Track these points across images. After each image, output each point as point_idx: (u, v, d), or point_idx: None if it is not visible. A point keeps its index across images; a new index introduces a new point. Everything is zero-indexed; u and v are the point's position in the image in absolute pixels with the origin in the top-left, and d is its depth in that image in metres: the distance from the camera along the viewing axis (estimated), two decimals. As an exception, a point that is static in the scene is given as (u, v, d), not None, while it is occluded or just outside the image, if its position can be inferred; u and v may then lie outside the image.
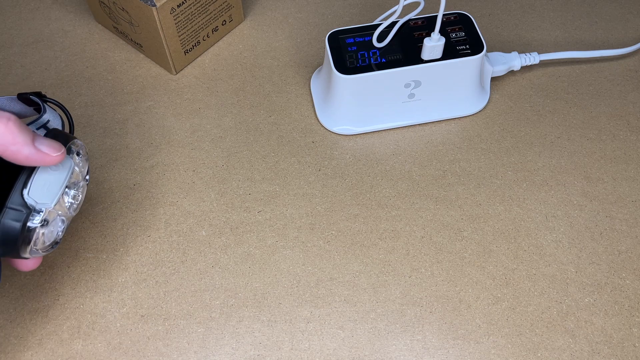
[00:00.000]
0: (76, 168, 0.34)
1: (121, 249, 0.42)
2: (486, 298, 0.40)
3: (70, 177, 0.33)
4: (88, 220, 0.44)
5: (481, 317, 0.39)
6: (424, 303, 0.40)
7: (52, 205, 0.32)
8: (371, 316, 0.39)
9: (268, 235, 0.43)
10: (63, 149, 0.32)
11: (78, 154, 0.34)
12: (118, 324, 0.39)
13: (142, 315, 0.40)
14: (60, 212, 0.33)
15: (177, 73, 0.51)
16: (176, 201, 0.44)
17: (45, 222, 0.31)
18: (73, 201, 0.34)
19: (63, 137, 0.33)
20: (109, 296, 0.40)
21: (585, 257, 0.42)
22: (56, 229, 0.33)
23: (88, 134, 0.48)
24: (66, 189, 0.33)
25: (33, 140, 0.30)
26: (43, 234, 0.32)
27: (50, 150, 0.31)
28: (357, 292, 0.40)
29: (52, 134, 0.33)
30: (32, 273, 0.41)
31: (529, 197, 0.44)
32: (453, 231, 0.43)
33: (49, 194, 0.32)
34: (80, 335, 0.39)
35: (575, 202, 0.44)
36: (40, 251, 0.33)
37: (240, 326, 0.39)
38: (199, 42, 0.51)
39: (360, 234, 0.43)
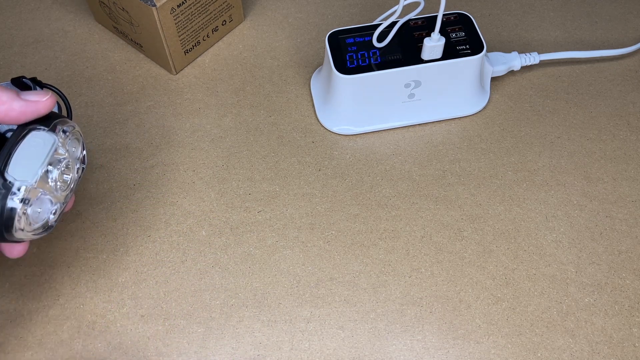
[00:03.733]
0: (59, 146, 0.33)
1: (121, 249, 0.42)
2: (486, 298, 0.40)
3: (52, 155, 0.32)
4: (88, 220, 0.44)
5: (481, 317, 0.39)
6: (424, 303, 0.40)
7: (32, 182, 0.31)
8: (371, 316, 0.39)
9: (268, 235, 0.43)
10: (50, 92, 0.31)
11: (64, 132, 0.33)
12: (118, 324, 0.39)
13: (142, 315, 0.40)
14: (44, 191, 0.32)
15: (177, 73, 0.51)
16: (176, 201, 0.44)
17: (26, 201, 0.30)
18: (59, 181, 0.33)
19: (49, 117, 0.32)
20: (109, 296, 0.40)
21: (585, 257, 0.42)
22: (45, 209, 0.32)
23: (88, 134, 0.48)
24: (49, 167, 0.32)
25: (19, 95, 0.30)
26: (25, 213, 0.31)
27: (39, 97, 0.30)
28: (357, 292, 0.40)
29: None
30: (32, 273, 0.41)
31: (529, 197, 0.44)
32: (453, 231, 0.43)
33: (29, 171, 0.31)
34: (80, 335, 0.39)
35: (575, 202, 0.44)
36: (29, 233, 0.32)
37: (240, 326, 0.39)
38: (199, 42, 0.51)
39: (360, 234, 0.43)
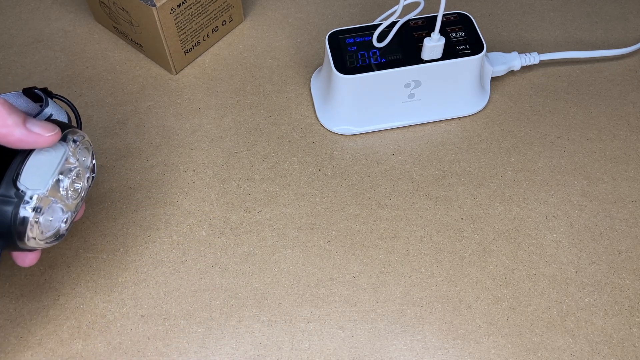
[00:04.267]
0: (70, 155, 0.33)
1: (121, 249, 0.42)
2: (486, 298, 0.40)
3: (63, 164, 0.33)
4: (88, 220, 0.44)
5: (481, 317, 0.39)
6: (424, 303, 0.40)
7: (44, 191, 0.31)
8: (371, 316, 0.39)
9: (268, 235, 0.43)
10: (57, 129, 0.31)
11: (74, 141, 0.34)
12: (118, 324, 0.39)
13: (142, 315, 0.40)
14: (55, 200, 0.32)
15: (177, 73, 0.51)
16: (176, 201, 0.44)
17: (38, 209, 0.31)
18: (70, 190, 0.34)
19: (60, 127, 0.33)
20: (109, 296, 0.40)
21: (585, 257, 0.42)
22: (56, 218, 0.33)
23: (88, 134, 0.48)
24: (60, 176, 0.33)
25: (24, 122, 0.30)
26: (37, 221, 0.31)
27: (43, 131, 0.30)
28: (357, 292, 0.40)
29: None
30: (32, 273, 0.41)
31: (529, 197, 0.44)
32: (453, 231, 0.43)
33: (41, 180, 0.31)
34: (80, 335, 0.39)
35: (575, 202, 0.44)
36: (41, 242, 0.32)
37: (240, 326, 0.39)
38: (199, 42, 0.51)
39: (360, 234, 0.43)
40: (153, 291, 0.41)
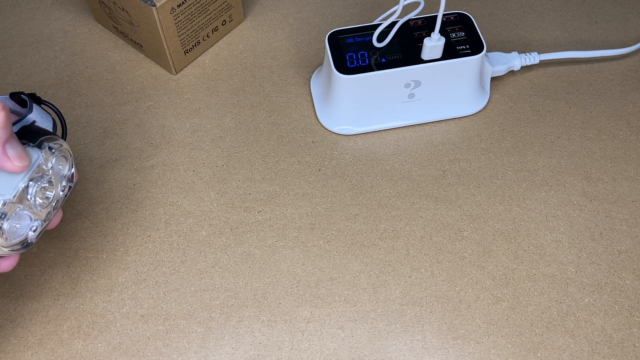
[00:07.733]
0: (42, 162, 0.32)
1: (121, 249, 0.42)
2: (486, 298, 0.40)
3: (35, 171, 0.32)
4: (88, 220, 0.44)
5: (481, 317, 0.39)
6: (424, 303, 0.40)
7: (10, 197, 0.30)
8: (371, 316, 0.39)
9: (268, 235, 0.43)
10: (28, 163, 0.31)
11: (50, 149, 0.33)
12: (118, 324, 0.39)
13: (142, 315, 0.40)
14: (23, 207, 0.32)
15: (177, 73, 0.51)
16: (176, 201, 0.44)
17: (2, 215, 0.30)
18: (40, 198, 0.33)
19: (37, 133, 0.32)
20: (109, 296, 0.40)
21: (585, 257, 0.42)
22: (23, 225, 0.32)
23: (88, 134, 0.48)
24: (29, 182, 0.32)
25: (5, 142, 0.29)
26: (1, 227, 0.30)
27: (15, 159, 0.30)
28: (357, 292, 0.40)
29: (26, 130, 0.32)
30: (32, 273, 0.41)
31: (529, 197, 0.44)
32: (453, 231, 0.43)
33: (9, 185, 0.31)
34: (80, 335, 0.39)
35: (575, 202, 0.44)
36: (6, 249, 0.32)
37: (240, 326, 0.39)
38: (199, 42, 0.51)
39: (360, 234, 0.43)
40: (153, 291, 0.41)
